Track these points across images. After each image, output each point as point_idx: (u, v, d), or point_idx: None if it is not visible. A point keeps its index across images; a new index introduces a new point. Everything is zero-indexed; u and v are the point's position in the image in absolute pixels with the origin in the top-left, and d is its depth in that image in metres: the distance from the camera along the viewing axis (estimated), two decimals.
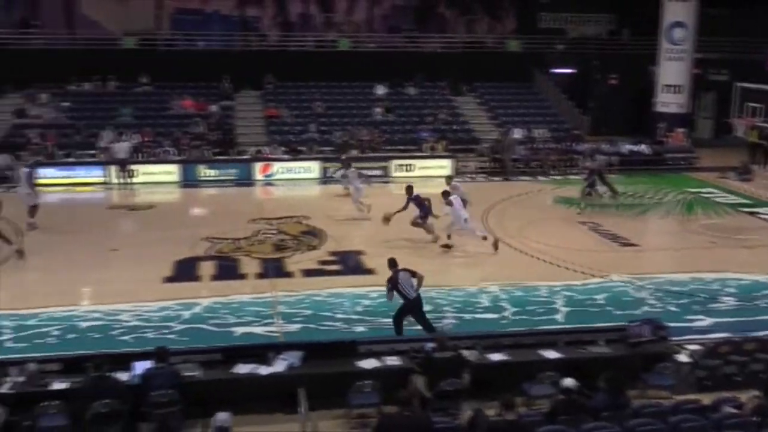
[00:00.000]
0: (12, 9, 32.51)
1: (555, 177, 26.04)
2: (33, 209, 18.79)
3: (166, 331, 12.79)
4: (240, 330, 12.86)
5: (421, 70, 32.12)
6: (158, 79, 30.10)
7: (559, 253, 16.97)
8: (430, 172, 25.57)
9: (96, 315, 13.43)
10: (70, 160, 25.18)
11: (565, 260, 16.51)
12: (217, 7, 33.32)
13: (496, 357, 10.64)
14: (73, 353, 10.90)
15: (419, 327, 12.03)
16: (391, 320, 12.08)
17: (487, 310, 13.77)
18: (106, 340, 12.33)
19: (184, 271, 15.93)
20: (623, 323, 11.59)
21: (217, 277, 15.70)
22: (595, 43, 34.50)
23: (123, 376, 9.69)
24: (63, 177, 24.21)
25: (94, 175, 24.49)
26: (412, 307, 11.95)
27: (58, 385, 9.71)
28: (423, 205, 17.69)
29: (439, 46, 34.43)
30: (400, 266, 12.29)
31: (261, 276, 15.73)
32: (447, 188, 17.77)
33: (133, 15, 32.10)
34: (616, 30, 36.09)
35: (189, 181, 24.84)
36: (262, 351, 10.55)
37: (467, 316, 13.46)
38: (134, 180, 24.28)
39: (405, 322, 12.02)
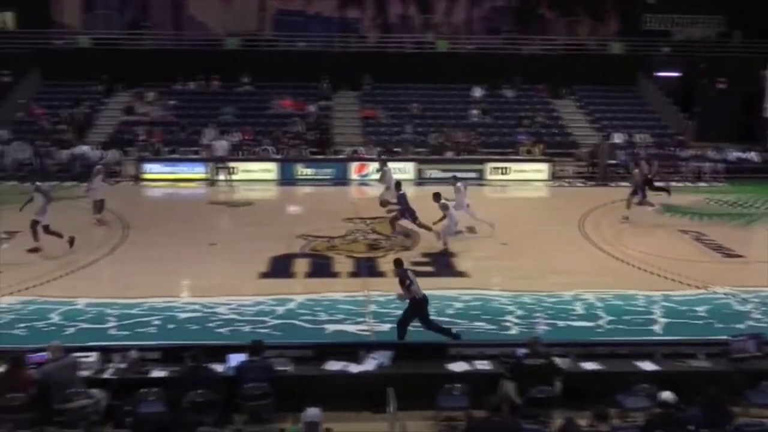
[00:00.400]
0: (125, 11, 33.97)
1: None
2: (98, 204, 19.11)
3: (261, 325, 13.04)
4: (332, 327, 12.99)
5: (520, 73, 31.75)
6: (259, 79, 30.82)
7: (659, 262, 16.41)
8: (527, 176, 25.24)
9: (194, 307, 13.83)
10: (174, 156, 26.07)
11: (664, 269, 15.96)
12: (318, 9, 33.92)
13: (589, 366, 10.39)
14: (172, 343, 11.25)
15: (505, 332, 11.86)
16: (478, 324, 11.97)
17: (581, 317, 13.44)
18: (204, 332, 12.67)
19: (280, 267, 16.23)
20: (726, 337, 11.11)
21: (311, 275, 15.92)
22: (702, 46, 33.24)
23: (218, 367, 9.96)
24: (167, 173, 25.08)
25: (197, 171, 25.30)
26: (421, 306, 11.71)
27: (157, 373, 10.07)
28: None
29: (539, 48, 33.94)
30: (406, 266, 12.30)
31: (354, 275, 15.85)
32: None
33: (237, 16, 33.04)
34: (727, 32, 34.65)
35: (286, 180, 25.32)
36: (352, 349, 10.64)
37: (561, 323, 13.17)
38: (234, 177, 24.88)
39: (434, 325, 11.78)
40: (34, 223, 16.71)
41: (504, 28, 35.32)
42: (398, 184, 18.52)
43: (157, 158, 25.72)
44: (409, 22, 35.55)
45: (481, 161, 26.09)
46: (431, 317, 11.92)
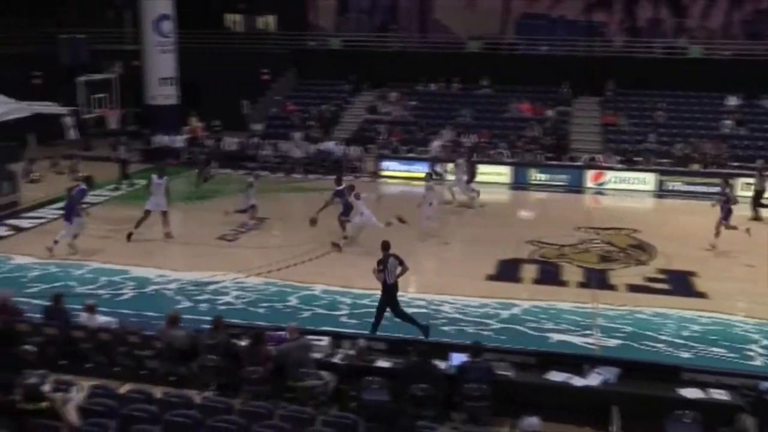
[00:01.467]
0: (374, 15, 35.49)
1: None
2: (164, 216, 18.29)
3: (484, 327, 13.08)
4: (556, 337, 12.72)
5: None
6: (498, 82, 30.80)
7: None
8: None
9: (421, 302, 14.16)
10: (411, 155, 26.80)
11: None
12: (563, 12, 33.18)
13: None
14: (398, 336, 11.58)
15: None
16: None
17: None
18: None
19: (507, 271, 16.16)
20: None
21: (538, 281, 15.70)
22: None
23: (441, 364, 10.10)
24: (403, 171, 25.84)
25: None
26: (389, 292, 12.27)
27: (382, 363, 10.40)
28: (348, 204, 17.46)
29: None
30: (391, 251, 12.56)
31: (583, 285, 15.40)
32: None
33: (481, 20, 33.23)
34: None
35: (519, 184, 25.10)
36: (577, 361, 10.33)
37: None
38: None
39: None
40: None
41: (767, 32, 32.47)
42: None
43: (395, 156, 26.62)
44: (660, 26, 33.78)
45: (731, 176, 24.12)
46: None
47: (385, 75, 31.55)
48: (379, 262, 12.48)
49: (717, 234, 17.40)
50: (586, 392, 9.77)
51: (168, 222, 18.03)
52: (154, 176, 18.21)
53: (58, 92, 20.57)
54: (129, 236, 17.61)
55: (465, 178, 21.99)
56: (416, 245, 17.63)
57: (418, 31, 34.38)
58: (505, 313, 13.73)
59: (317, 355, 10.44)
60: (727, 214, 17.58)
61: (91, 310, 11.62)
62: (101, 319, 11.56)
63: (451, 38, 33.45)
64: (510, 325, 13.21)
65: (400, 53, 32.68)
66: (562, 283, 15.54)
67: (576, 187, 24.74)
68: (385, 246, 12.82)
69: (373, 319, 12.49)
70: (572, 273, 16.07)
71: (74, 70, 24.40)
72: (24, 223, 19.11)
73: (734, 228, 17.47)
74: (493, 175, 25.30)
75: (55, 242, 16.66)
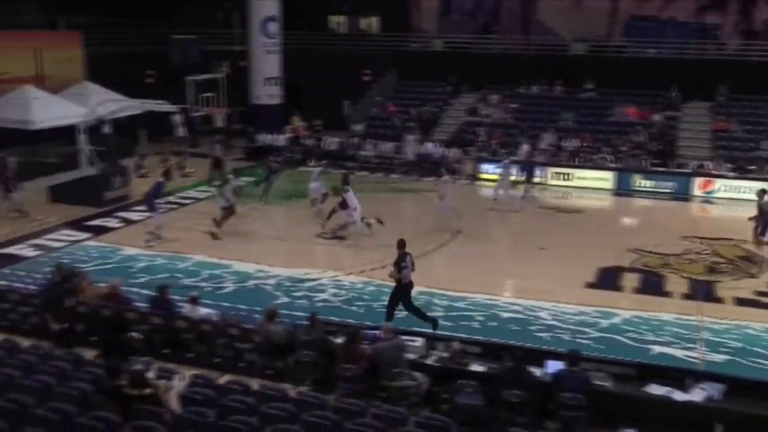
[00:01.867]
0: (477, 16, 35.25)
1: None
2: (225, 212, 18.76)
3: (582, 336, 12.80)
4: (657, 349, 12.33)
5: None
6: (603, 85, 30.08)
7: None
8: None
9: (517, 308, 13.99)
10: (512, 158, 26.38)
11: None
12: (674, 14, 32.05)
13: None
14: (493, 340, 11.47)
15: None
16: None
17: None
18: (523, 334, 12.77)
19: (607, 279, 15.75)
20: None
21: (639, 291, 15.24)
22: None
23: (535, 371, 9.93)
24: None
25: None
26: (405, 290, 12.64)
27: (476, 367, 10.32)
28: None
29: None
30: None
31: (687, 297, 14.86)
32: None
33: (586, 22, 32.47)
34: None
35: (622, 190, 24.42)
36: (679, 375, 9.97)
37: None
38: (568, 183, 24.52)
39: None
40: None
41: None
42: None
43: (493, 159, 26.35)
44: None
45: None
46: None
47: (487, 77, 31.31)
48: (398, 261, 12.78)
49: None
50: (688, 407, 9.41)
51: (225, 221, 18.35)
52: (231, 176, 18.80)
53: (169, 91, 21.37)
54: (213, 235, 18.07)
55: (511, 179, 21.94)
56: (507, 250, 17.45)
57: (520, 33, 33.92)
58: (604, 322, 13.40)
59: (411, 356, 10.46)
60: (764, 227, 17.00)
61: (194, 301, 12.01)
62: (203, 311, 11.94)
63: (555, 40, 32.86)
64: (609, 335, 12.89)
65: (502, 55, 32.35)
66: (665, 294, 15.04)
67: (683, 195, 23.86)
68: (402, 244, 13.08)
69: (385, 312, 12.82)
70: (676, 284, 15.52)
71: (184, 69, 25.27)
72: (133, 216, 19.93)
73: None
74: (595, 180, 24.76)
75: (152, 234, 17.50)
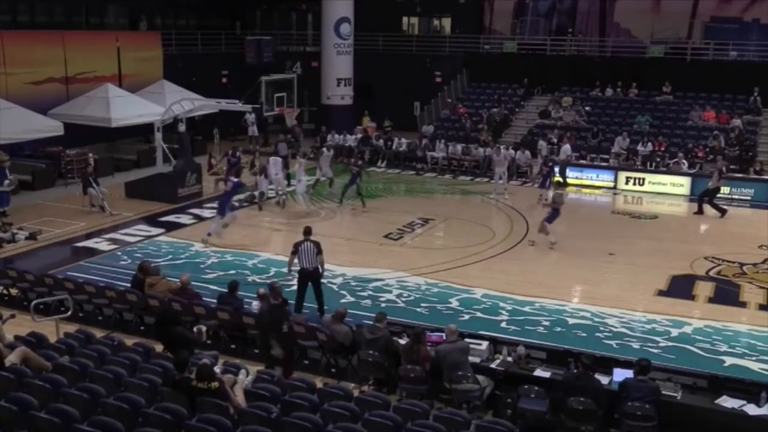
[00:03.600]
0: (552, 18, 34.77)
1: None
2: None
3: (651, 345, 12.49)
4: (730, 360, 11.93)
5: None
6: (681, 88, 29.32)
7: None
8: None
9: (584, 314, 13.74)
10: (582, 162, 26.00)
11: None
12: (757, 15, 30.93)
13: None
14: (559, 346, 11.29)
15: None
16: None
17: None
18: (590, 340, 12.53)
19: (680, 287, 15.31)
20: None
21: (713, 300, 14.77)
22: None
23: (603, 379, 9.73)
24: (573, 178, 25.12)
25: (603, 179, 24.91)
26: (305, 277, 13.08)
27: (540, 373, 10.18)
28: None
29: None
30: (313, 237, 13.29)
31: (764, 308, 14.33)
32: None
33: (665, 23, 31.67)
34: None
35: (698, 196, 23.67)
36: (753, 389, 9.60)
37: None
38: (641, 188, 23.94)
39: None
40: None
41: None
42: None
43: (565, 162, 25.92)
44: None
45: None
46: None
47: (560, 79, 30.91)
48: (294, 246, 13.27)
49: None
50: (761, 422, 9.07)
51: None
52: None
53: (243, 90, 21.77)
54: None
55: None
56: (576, 255, 17.15)
57: (596, 35, 33.30)
58: (675, 332, 13.05)
59: (475, 359, 10.38)
60: None
61: (262, 298, 12.16)
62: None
63: (631, 42, 32.16)
64: (680, 344, 12.54)
65: (576, 57, 31.86)
66: (740, 304, 14.53)
67: (762, 203, 22.99)
68: (307, 231, 13.50)
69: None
70: (753, 294, 14.99)
71: (258, 69, 25.75)
72: (205, 212, 20.35)
73: None
74: (670, 185, 24.11)
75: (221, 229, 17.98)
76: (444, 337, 10.49)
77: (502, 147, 24.51)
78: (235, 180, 18.82)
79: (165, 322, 10.67)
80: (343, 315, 11.51)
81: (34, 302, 12.18)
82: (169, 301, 12.16)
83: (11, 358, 9.01)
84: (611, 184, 24.70)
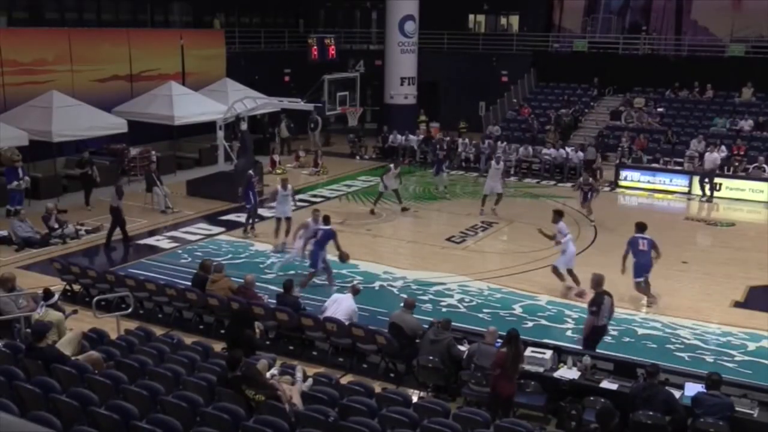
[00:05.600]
0: (626, 15, 33.86)
1: None
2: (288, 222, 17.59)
3: (726, 358, 11.90)
4: None
5: None
6: (763, 89, 28.13)
7: None
8: None
9: (655, 324, 13.20)
10: (655, 165, 25.13)
11: None
12: None
13: None
14: (627, 357, 10.83)
15: None
16: None
17: None
18: (661, 352, 12.01)
19: (758, 298, 14.56)
20: None
21: None
22: None
23: (674, 392, 9.25)
24: (645, 182, 24.34)
25: (677, 183, 24.02)
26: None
27: (607, 384, 9.75)
28: None
29: None
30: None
31: None
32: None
33: (746, 21, 30.40)
34: None
35: None
36: None
37: None
38: (717, 194, 23.04)
39: None
40: None
41: None
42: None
43: (636, 166, 25.15)
44: None
45: None
46: None
47: (632, 79, 30.04)
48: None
49: None
50: None
51: (290, 228, 17.23)
52: (279, 187, 17.77)
53: (305, 89, 21.78)
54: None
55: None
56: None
57: (672, 33, 32.25)
58: (751, 345, 12.41)
59: (538, 369, 10.01)
60: None
61: (356, 292, 12.14)
62: (349, 304, 11.88)
63: (710, 41, 31.02)
64: (756, 359, 11.91)
65: (650, 56, 30.93)
66: None
67: None
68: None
69: None
70: None
71: (321, 68, 25.74)
72: (265, 212, 20.28)
73: None
74: (749, 191, 23.04)
75: (251, 228, 18.27)
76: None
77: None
78: (325, 228, 15.02)
79: (239, 322, 10.59)
80: (413, 304, 11.41)
81: (96, 298, 12.29)
82: (229, 301, 12.11)
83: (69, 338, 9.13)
84: (685, 189, 23.76)
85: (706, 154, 23.72)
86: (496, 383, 9.39)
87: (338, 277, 15.19)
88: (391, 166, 20.76)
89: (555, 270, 14.67)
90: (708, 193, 23.02)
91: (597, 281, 11.28)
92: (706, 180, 23.03)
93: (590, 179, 20.51)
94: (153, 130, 24.44)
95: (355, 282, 13.77)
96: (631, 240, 13.99)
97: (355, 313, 11.81)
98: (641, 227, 14.18)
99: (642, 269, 13.84)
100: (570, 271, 14.56)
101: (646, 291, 14.11)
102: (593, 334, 11.20)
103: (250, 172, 18.86)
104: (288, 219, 17.38)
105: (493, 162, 20.97)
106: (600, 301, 11.01)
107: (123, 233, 17.53)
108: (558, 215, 14.97)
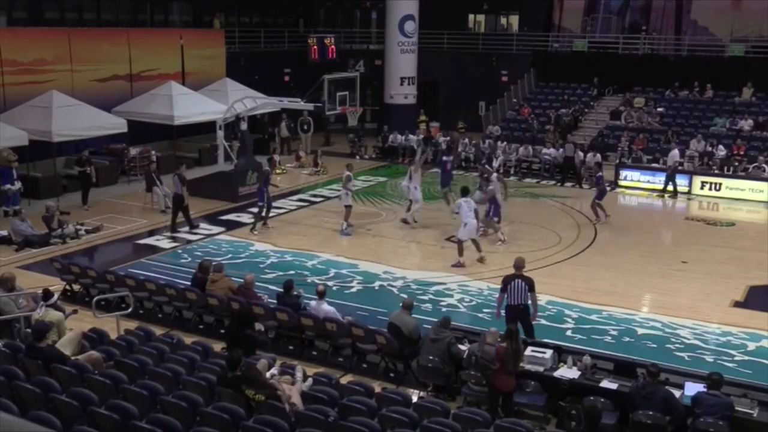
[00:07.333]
0: (625, 15, 33.86)
1: None
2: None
3: (726, 358, 11.90)
4: None
5: None
6: (762, 89, 28.12)
7: None
8: None
9: (654, 324, 13.19)
10: (654, 165, 25.11)
11: None
12: None
13: None
14: (627, 357, 10.83)
15: None
16: None
17: None
18: (660, 352, 12.01)
19: (758, 298, 14.55)
20: None
21: None
22: None
23: (674, 392, 9.25)
24: (645, 182, 24.32)
25: (677, 183, 23.96)
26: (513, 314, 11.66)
27: (607, 384, 9.75)
28: None
29: None
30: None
31: None
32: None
33: (746, 21, 30.40)
34: None
35: None
36: None
37: None
38: (717, 194, 23.02)
39: None
40: None
41: None
42: None
43: (636, 166, 25.13)
44: None
45: None
46: None
47: (632, 79, 30.04)
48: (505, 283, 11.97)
49: None
50: None
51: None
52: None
53: (305, 89, 21.78)
54: None
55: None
56: (646, 262, 16.51)
57: (671, 33, 32.24)
58: (751, 345, 12.41)
59: (538, 368, 10.01)
60: None
61: (321, 295, 12.00)
62: (327, 308, 11.88)
63: (709, 40, 31.01)
64: (757, 359, 11.91)
65: (650, 56, 30.92)
66: None
67: None
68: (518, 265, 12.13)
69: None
70: None
71: (321, 67, 25.74)
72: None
73: None
74: (749, 191, 23.01)
75: (262, 225, 18.43)
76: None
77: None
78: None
79: (240, 322, 10.58)
80: (411, 305, 11.43)
81: (96, 298, 12.30)
82: (229, 301, 12.11)
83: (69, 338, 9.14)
84: (686, 189, 23.74)
85: (671, 151, 23.76)
86: (496, 377, 9.43)
87: (338, 277, 15.22)
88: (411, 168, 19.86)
89: (458, 242, 16.18)
90: (671, 189, 23.04)
91: (516, 264, 12.03)
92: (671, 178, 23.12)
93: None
94: (153, 130, 24.43)
95: (321, 284, 13.32)
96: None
97: (336, 313, 11.82)
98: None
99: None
100: (474, 241, 16.33)
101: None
102: (506, 312, 11.81)
103: (267, 168, 19.05)
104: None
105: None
106: (507, 281, 11.75)
107: (186, 219, 18.03)
108: (463, 192, 16.70)
